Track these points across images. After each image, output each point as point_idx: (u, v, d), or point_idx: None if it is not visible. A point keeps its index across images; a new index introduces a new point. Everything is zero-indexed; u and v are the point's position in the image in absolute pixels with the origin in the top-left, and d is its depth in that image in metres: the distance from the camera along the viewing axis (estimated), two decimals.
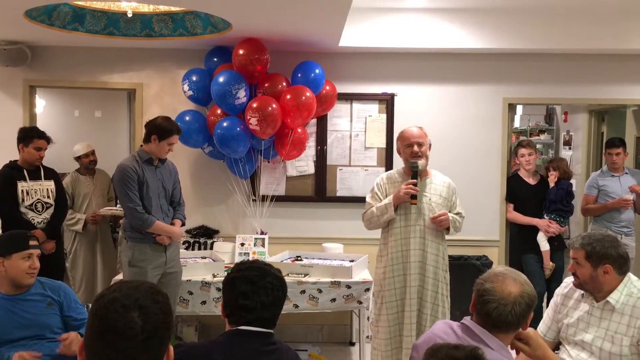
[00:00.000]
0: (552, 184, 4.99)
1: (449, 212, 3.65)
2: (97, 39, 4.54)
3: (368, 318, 4.40)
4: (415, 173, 3.57)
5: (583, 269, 2.58)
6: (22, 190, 4.43)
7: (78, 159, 5.26)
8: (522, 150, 5.06)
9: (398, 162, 4.90)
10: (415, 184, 3.53)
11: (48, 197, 4.54)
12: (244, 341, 1.96)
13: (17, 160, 4.50)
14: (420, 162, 3.58)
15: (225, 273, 2.11)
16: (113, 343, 1.32)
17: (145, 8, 4.32)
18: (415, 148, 3.59)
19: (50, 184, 4.57)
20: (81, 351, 1.39)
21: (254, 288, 1.99)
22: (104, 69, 5.13)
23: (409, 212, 3.58)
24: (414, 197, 3.53)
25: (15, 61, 4.91)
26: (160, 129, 3.94)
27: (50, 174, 4.62)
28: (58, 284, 3.10)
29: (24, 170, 4.46)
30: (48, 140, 4.57)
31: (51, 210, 4.55)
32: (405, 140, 3.63)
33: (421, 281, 3.58)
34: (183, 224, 4.25)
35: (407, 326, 3.54)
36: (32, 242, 2.96)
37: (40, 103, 7.01)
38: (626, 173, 5.13)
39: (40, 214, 4.50)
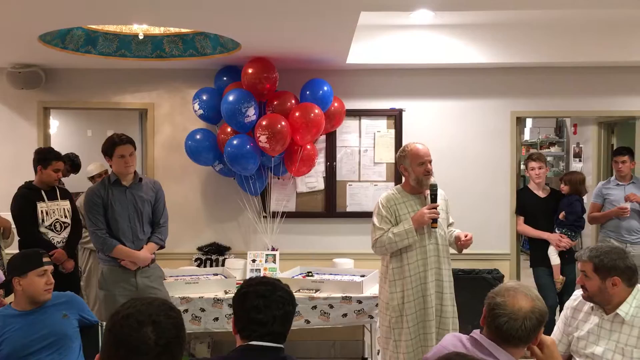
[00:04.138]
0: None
1: (447, 224, 3.70)
2: (110, 60, 4.63)
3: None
4: (435, 196, 3.52)
5: (591, 282, 2.58)
6: (42, 211, 4.49)
7: (91, 178, 5.34)
8: (532, 164, 5.07)
9: None
10: (436, 207, 3.49)
11: (65, 216, 4.60)
12: (255, 356, 1.98)
13: (32, 181, 4.58)
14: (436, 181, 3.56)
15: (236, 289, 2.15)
16: (127, 357, 1.36)
17: (156, 30, 4.42)
18: (429, 166, 3.54)
19: (67, 204, 4.64)
20: None
21: (266, 302, 2.01)
22: (116, 89, 5.22)
23: (422, 232, 3.51)
24: (434, 220, 3.48)
25: (30, 84, 5.01)
26: (104, 148, 3.95)
27: (65, 194, 4.70)
28: (66, 294, 3.16)
29: (42, 191, 4.53)
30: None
31: (69, 229, 4.61)
32: (419, 158, 3.53)
33: (439, 299, 3.54)
34: (162, 247, 4.10)
35: (430, 348, 3.40)
36: (45, 259, 3.02)
37: (54, 124, 7.13)
38: (633, 182, 5.14)
39: (60, 234, 4.55)
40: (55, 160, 4.52)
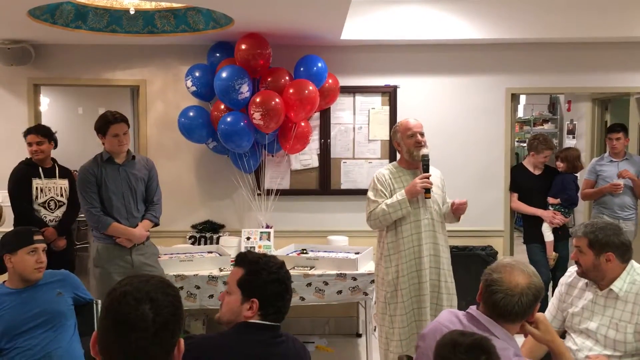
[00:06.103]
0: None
1: (443, 202, 3.67)
2: (100, 36, 4.55)
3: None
4: (427, 166, 3.52)
5: (586, 257, 2.60)
6: (37, 188, 4.47)
7: None
8: (547, 152, 5.08)
9: None
10: (428, 177, 3.49)
11: (61, 195, 4.57)
12: (253, 333, 1.99)
13: (32, 158, 4.56)
14: (429, 153, 3.54)
15: (232, 267, 2.15)
16: (125, 335, 1.36)
17: (148, 5, 4.33)
18: (419, 137, 3.55)
19: (64, 183, 4.61)
20: (94, 344, 1.42)
21: (290, 284, 2.10)
22: (107, 66, 5.15)
23: (416, 206, 3.52)
24: (427, 190, 3.48)
25: (19, 60, 4.93)
26: (97, 126, 3.89)
27: (65, 173, 4.66)
28: (61, 272, 3.14)
29: (40, 168, 4.51)
30: (45, 133, 4.53)
31: (63, 208, 4.58)
32: (408, 130, 3.56)
33: (436, 274, 3.54)
34: (156, 224, 4.11)
35: (425, 323, 3.45)
36: (37, 237, 2.98)
37: (45, 101, 7.05)
38: (626, 159, 5.16)
39: (53, 212, 4.53)
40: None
